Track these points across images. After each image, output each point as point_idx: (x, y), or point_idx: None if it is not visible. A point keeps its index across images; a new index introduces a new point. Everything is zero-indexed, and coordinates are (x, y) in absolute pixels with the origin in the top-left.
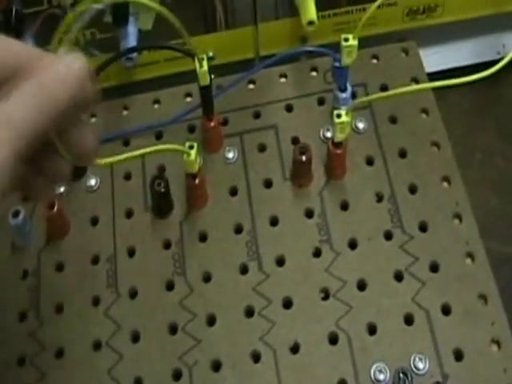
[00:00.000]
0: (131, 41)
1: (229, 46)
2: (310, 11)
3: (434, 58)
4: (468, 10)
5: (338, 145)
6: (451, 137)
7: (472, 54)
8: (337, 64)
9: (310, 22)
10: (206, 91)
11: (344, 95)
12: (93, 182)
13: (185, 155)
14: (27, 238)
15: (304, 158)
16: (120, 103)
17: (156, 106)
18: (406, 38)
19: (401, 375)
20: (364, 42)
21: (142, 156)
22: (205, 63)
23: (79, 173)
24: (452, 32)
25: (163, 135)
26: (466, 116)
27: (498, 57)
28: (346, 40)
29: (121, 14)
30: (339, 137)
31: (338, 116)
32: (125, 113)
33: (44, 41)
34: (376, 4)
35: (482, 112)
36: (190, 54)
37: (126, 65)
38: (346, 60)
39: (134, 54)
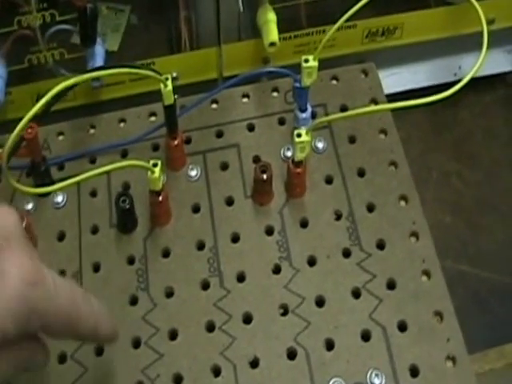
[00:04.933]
0: (98, 61)
1: (193, 66)
2: (272, 33)
3: (393, 80)
4: (426, 33)
5: (297, 164)
6: (409, 156)
7: (429, 76)
8: (297, 85)
9: (272, 44)
10: (170, 110)
11: (304, 115)
12: (60, 198)
13: (149, 173)
14: None
15: (265, 176)
16: (87, 122)
17: (122, 124)
18: (366, 60)
19: None
20: (325, 64)
21: (108, 173)
22: (169, 83)
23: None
24: (410, 54)
25: (128, 153)
26: (424, 136)
27: (455, 78)
28: (307, 61)
29: (89, 35)
30: (299, 156)
31: (298, 135)
32: (91, 131)
33: (15, 60)
34: (335, 27)
35: (439, 132)
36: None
37: (93, 85)
38: (306, 81)
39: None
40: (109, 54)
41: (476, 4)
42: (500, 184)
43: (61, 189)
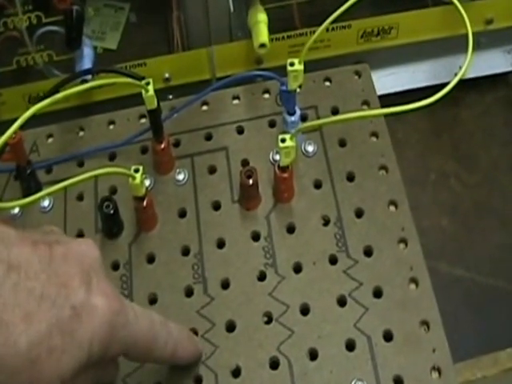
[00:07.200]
0: (86, 63)
1: (186, 67)
2: (262, 34)
3: (390, 80)
4: (421, 33)
5: (284, 169)
6: (407, 157)
7: (429, 76)
8: (284, 88)
9: (262, 45)
10: (153, 115)
11: (293, 118)
12: (46, 203)
13: (130, 179)
14: None
15: (250, 181)
16: (76, 124)
17: (111, 127)
18: (364, 60)
19: None
20: (321, 64)
21: (95, 177)
22: (150, 88)
23: (34, 193)
24: (409, 54)
25: (117, 156)
26: (422, 136)
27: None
28: (292, 65)
29: (74, 38)
30: (285, 161)
31: (283, 140)
32: (81, 134)
33: (3, 62)
34: (321, 28)
35: (438, 133)
36: (138, 78)
37: None
38: (293, 84)
39: (89, 76)
40: (106, 53)
41: (460, 7)
42: (498, 186)
43: (26, 204)
